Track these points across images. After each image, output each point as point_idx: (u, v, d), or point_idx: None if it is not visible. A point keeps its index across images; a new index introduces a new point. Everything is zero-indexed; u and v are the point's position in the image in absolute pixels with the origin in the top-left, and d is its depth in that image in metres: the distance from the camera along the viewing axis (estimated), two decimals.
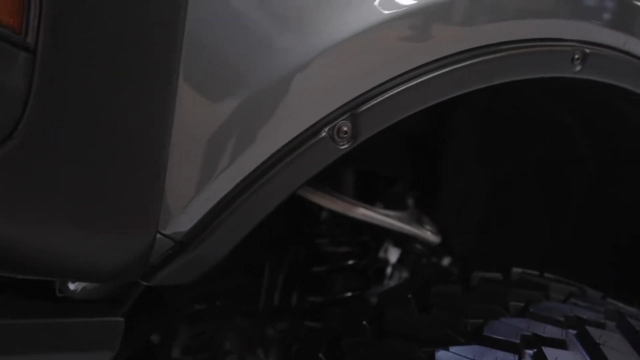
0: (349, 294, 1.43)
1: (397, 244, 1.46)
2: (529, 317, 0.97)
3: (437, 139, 1.56)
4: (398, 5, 0.77)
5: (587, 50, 0.96)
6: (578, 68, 0.96)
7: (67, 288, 0.76)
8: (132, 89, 0.62)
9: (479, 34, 0.85)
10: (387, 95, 0.77)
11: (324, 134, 0.75)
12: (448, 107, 1.48)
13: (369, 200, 1.46)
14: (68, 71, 0.59)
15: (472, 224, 1.73)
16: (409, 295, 1.09)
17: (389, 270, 1.57)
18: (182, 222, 0.70)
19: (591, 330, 0.94)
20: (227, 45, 0.69)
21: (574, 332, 0.94)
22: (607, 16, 0.98)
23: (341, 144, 0.76)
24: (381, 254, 1.64)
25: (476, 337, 0.90)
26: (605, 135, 1.39)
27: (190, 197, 0.69)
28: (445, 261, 1.80)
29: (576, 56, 0.95)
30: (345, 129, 0.76)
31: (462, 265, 1.43)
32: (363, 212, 1.27)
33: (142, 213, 0.65)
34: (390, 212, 1.33)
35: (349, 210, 1.26)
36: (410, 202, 1.47)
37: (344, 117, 0.76)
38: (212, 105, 0.68)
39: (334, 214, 1.34)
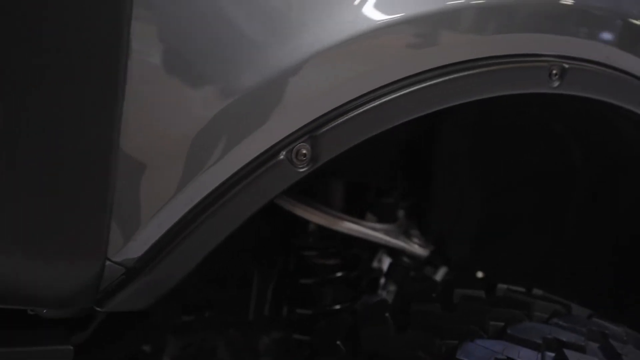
0: (337, 307, 1.42)
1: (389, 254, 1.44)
2: (506, 339, 0.94)
3: (429, 146, 1.53)
4: (360, 22, 0.75)
5: (566, 65, 0.93)
6: (556, 84, 0.93)
7: None
8: (71, 112, 0.61)
9: (448, 51, 0.83)
10: (348, 117, 0.76)
11: (282, 156, 0.74)
12: (437, 116, 1.46)
13: (360, 211, 1.45)
14: None
15: (469, 233, 1.71)
16: (387, 314, 1.07)
17: (383, 280, 1.56)
18: (133, 249, 0.69)
19: (569, 353, 0.91)
20: (180, 67, 0.68)
21: (552, 355, 0.92)
22: (587, 30, 0.95)
23: (300, 166, 0.75)
24: (375, 264, 1.63)
25: None
26: (599, 147, 1.36)
27: (140, 224, 0.68)
28: (442, 271, 1.79)
29: (554, 72, 0.92)
30: (304, 151, 0.74)
31: (446, 283, 1.40)
32: (347, 226, 1.26)
33: (88, 241, 0.64)
34: (377, 225, 1.32)
35: (333, 224, 1.25)
36: (401, 213, 1.45)
37: (303, 139, 0.74)
38: (161, 130, 0.67)
39: (321, 226, 1.33)
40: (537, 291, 1.27)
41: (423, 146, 1.51)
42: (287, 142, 0.74)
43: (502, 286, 1.23)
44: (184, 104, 0.67)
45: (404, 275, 1.36)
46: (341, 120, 0.75)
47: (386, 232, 1.30)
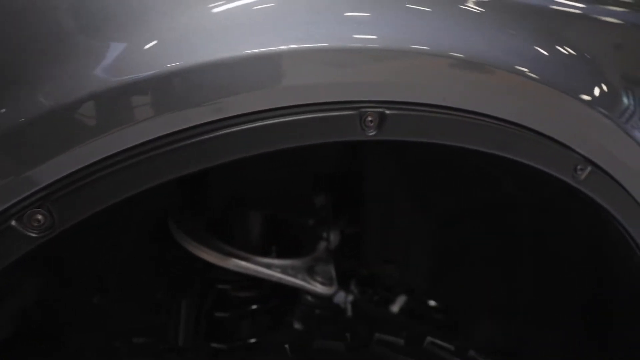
0: (252, 340, 1.38)
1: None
2: None
3: (360, 178, 1.47)
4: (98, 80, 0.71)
5: (387, 112, 0.85)
6: (372, 132, 0.85)
7: None
8: None
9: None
10: (86, 181, 0.73)
11: (13, 222, 0.72)
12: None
13: (275, 246, 1.41)
14: None
15: (423, 263, 1.63)
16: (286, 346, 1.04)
17: None
18: None
19: None
20: None
21: None
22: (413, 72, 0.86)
23: (35, 233, 0.73)
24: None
25: None
26: (525, 179, 1.25)
27: None
28: (400, 300, 1.71)
29: (369, 119, 0.84)
30: (39, 217, 0.72)
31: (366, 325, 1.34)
32: (235, 263, 1.22)
33: None
34: (276, 262, 1.27)
35: (221, 261, 1.22)
36: (322, 245, 1.39)
37: (38, 204, 0.72)
38: None
39: None
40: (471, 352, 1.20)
41: (353, 178, 1.45)
42: (20, 207, 0.72)
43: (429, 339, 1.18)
44: None
45: (307, 313, 1.31)
46: (78, 185, 0.73)
47: (283, 270, 1.25)
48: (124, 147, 0.72)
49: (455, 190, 1.37)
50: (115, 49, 0.70)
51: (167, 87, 0.71)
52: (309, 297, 1.31)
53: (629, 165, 1.04)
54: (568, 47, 0.97)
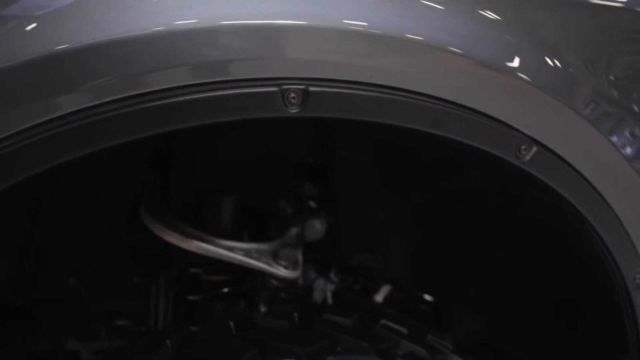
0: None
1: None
2: None
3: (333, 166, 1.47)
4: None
5: (312, 89, 0.86)
6: (296, 109, 0.86)
7: None
8: None
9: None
10: None
11: None
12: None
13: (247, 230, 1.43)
14: None
15: (403, 252, 1.62)
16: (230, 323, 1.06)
17: None
18: None
19: None
20: None
21: None
22: (337, 50, 0.86)
23: None
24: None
25: None
26: (490, 167, 1.23)
27: None
28: (384, 290, 1.71)
29: (292, 95, 0.85)
30: None
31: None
32: (197, 245, 1.24)
33: None
34: (240, 245, 1.28)
35: (182, 242, 1.24)
36: (293, 231, 1.40)
37: None
38: None
39: None
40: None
41: (325, 166, 1.46)
42: None
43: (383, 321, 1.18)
44: None
45: (272, 296, 1.32)
46: None
47: (246, 253, 1.26)
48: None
49: (427, 180, 1.37)
50: None
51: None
52: (274, 281, 1.32)
53: (578, 144, 1.02)
54: (507, 25, 0.96)
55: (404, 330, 1.11)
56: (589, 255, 1.14)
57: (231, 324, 1.01)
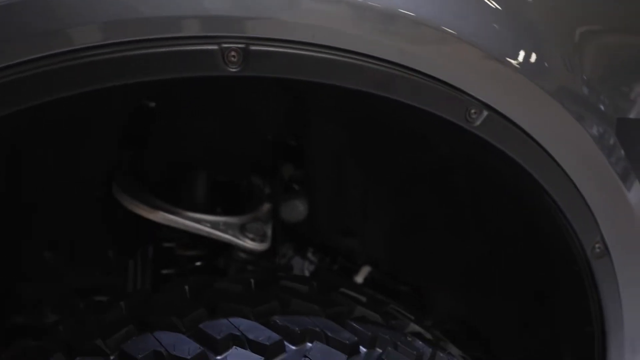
0: None
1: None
2: None
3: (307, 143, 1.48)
4: None
5: (253, 48, 0.87)
6: (236, 68, 0.87)
7: None
8: None
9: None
10: None
11: None
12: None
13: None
14: None
15: (381, 230, 1.62)
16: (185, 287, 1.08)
17: None
18: None
19: None
20: None
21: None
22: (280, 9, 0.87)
23: None
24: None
25: None
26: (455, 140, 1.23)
27: None
28: (364, 270, 1.71)
29: (232, 54, 0.86)
30: None
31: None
32: (163, 216, 1.26)
33: None
34: (206, 217, 1.30)
35: (150, 214, 1.26)
36: (265, 207, 1.41)
37: None
38: None
39: None
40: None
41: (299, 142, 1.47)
42: None
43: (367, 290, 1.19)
44: None
45: (240, 269, 1.33)
46: None
47: (213, 226, 1.28)
48: None
49: (399, 157, 1.37)
50: None
51: None
52: (241, 254, 1.33)
53: (530, 109, 1.02)
54: None
55: (363, 299, 1.11)
56: (550, 225, 1.13)
57: (186, 287, 1.03)
